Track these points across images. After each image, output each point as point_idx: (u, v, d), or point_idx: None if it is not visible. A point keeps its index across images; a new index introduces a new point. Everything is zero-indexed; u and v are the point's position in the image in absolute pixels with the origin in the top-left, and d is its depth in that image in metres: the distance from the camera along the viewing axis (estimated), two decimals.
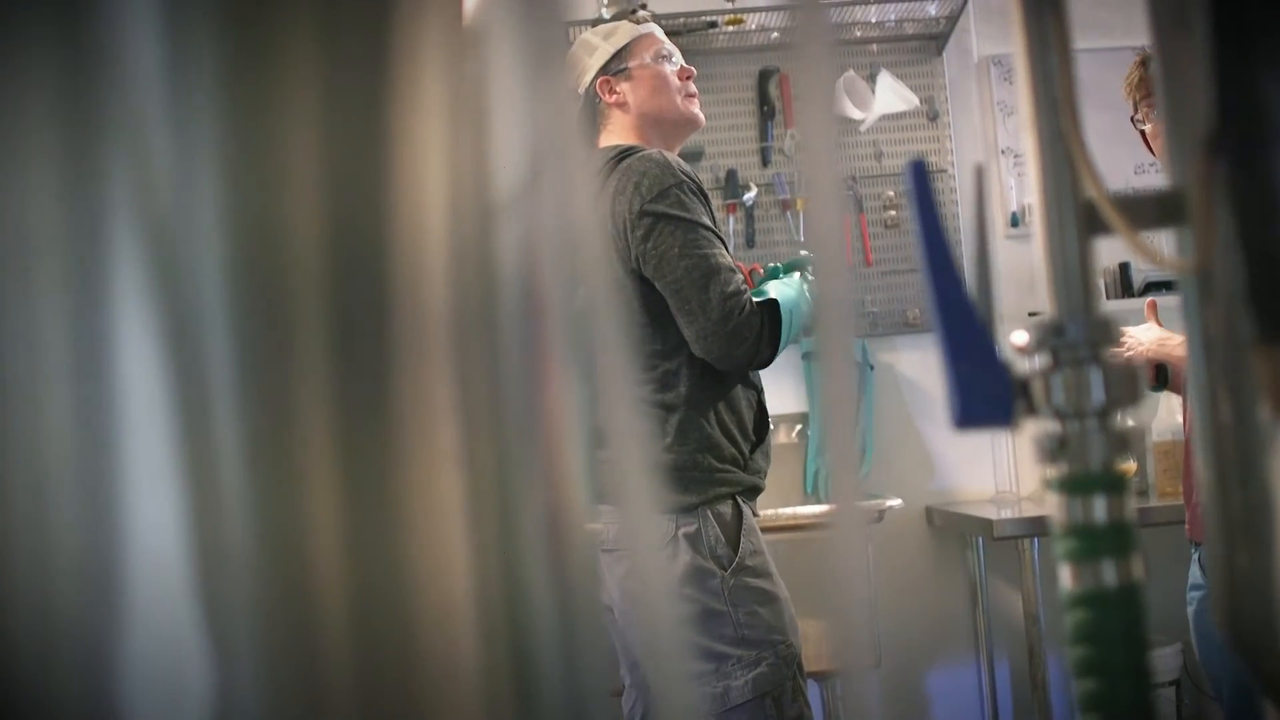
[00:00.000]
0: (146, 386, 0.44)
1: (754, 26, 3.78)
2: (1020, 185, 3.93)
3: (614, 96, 2.38)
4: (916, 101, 3.80)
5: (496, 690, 0.52)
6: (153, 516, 0.44)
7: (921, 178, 0.75)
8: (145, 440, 0.44)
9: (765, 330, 2.18)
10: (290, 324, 0.47)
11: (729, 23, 3.75)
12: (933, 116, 3.91)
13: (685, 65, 2.43)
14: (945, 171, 3.88)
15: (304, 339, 0.47)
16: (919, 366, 3.85)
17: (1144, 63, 2.31)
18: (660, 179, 2.19)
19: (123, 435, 0.44)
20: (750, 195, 3.84)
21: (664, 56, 2.40)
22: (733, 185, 3.84)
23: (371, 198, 0.50)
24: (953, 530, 3.73)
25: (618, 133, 2.38)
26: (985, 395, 0.73)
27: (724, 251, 2.22)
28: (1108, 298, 3.76)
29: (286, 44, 0.48)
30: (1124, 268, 3.81)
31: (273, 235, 0.47)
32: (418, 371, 0.50)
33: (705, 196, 2.26)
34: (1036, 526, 3.23)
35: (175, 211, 0.45)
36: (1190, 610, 2.26)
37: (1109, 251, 3.61)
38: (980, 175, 0.81)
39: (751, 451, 2.27)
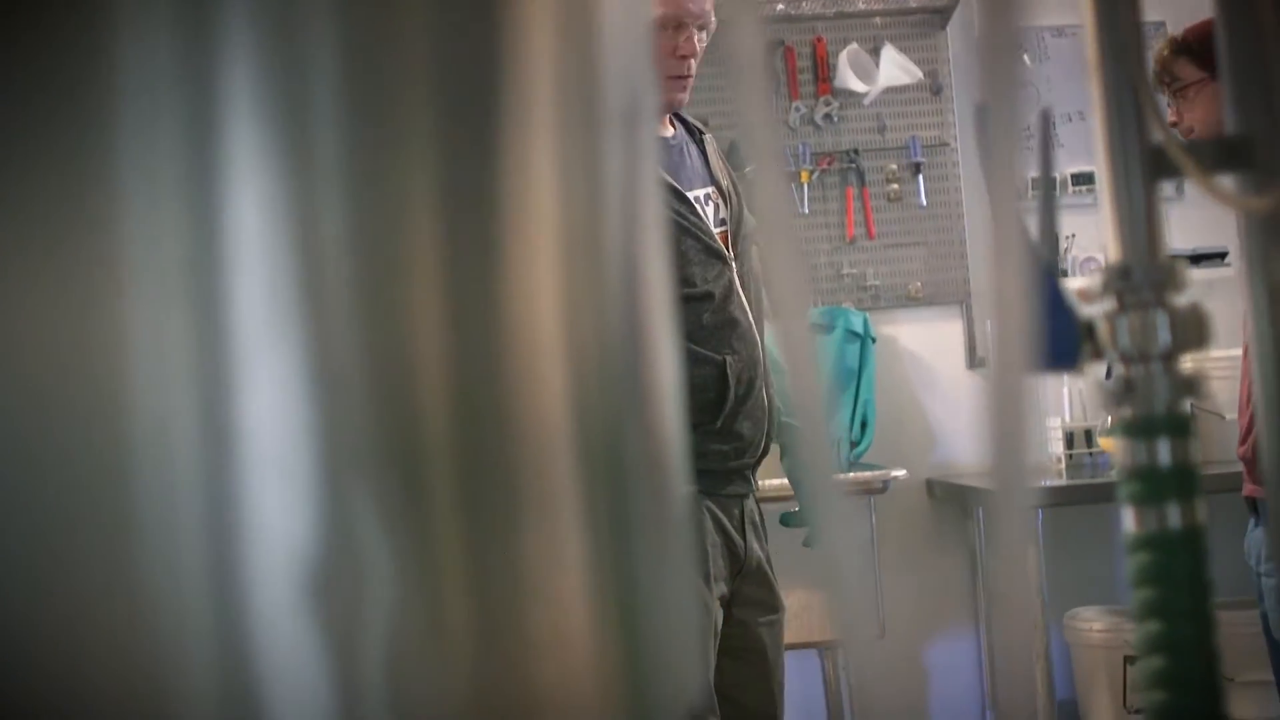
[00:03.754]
0: (255, 181, 0.47)
1: None
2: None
3: None
4: (920, 75, 3.80)
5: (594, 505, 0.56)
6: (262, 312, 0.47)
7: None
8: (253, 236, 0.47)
9: None
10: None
11: None
12: (936, 90, 3.91)
13: (691, 41, 2.17)
14: (948, 145, 3.88)
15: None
16: (920, 339, 3.85)
17: (1173, 48, 2.10)
18: None
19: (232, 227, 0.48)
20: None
21: (665, 26, 2.14)
22: (735, 157, 3.84)
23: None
24: (954, 501, 3.75)
25: None
26: (1053, 339, 0.74)
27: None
28: None
29: None
30: None
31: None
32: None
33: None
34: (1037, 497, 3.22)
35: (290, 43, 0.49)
36: (1270, 582, 2.13)
37: None
38: (1046, 119, 0.81)
39: (702, 431, 2.04)
